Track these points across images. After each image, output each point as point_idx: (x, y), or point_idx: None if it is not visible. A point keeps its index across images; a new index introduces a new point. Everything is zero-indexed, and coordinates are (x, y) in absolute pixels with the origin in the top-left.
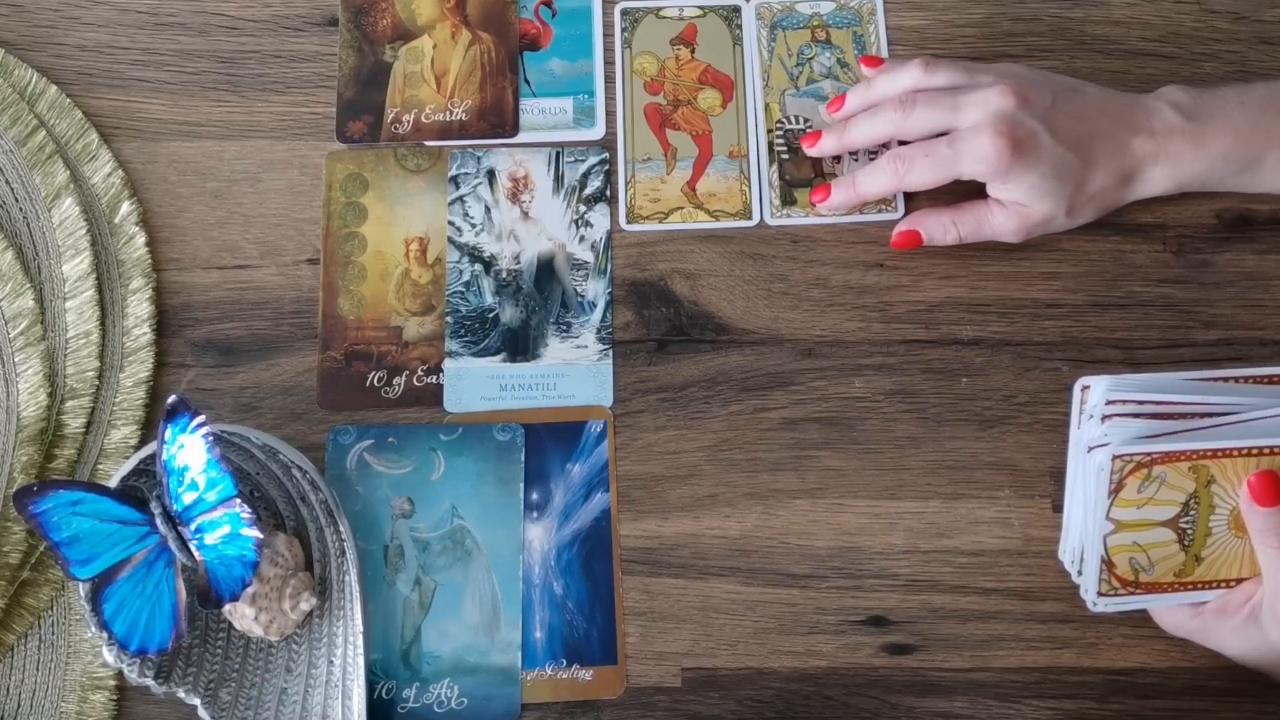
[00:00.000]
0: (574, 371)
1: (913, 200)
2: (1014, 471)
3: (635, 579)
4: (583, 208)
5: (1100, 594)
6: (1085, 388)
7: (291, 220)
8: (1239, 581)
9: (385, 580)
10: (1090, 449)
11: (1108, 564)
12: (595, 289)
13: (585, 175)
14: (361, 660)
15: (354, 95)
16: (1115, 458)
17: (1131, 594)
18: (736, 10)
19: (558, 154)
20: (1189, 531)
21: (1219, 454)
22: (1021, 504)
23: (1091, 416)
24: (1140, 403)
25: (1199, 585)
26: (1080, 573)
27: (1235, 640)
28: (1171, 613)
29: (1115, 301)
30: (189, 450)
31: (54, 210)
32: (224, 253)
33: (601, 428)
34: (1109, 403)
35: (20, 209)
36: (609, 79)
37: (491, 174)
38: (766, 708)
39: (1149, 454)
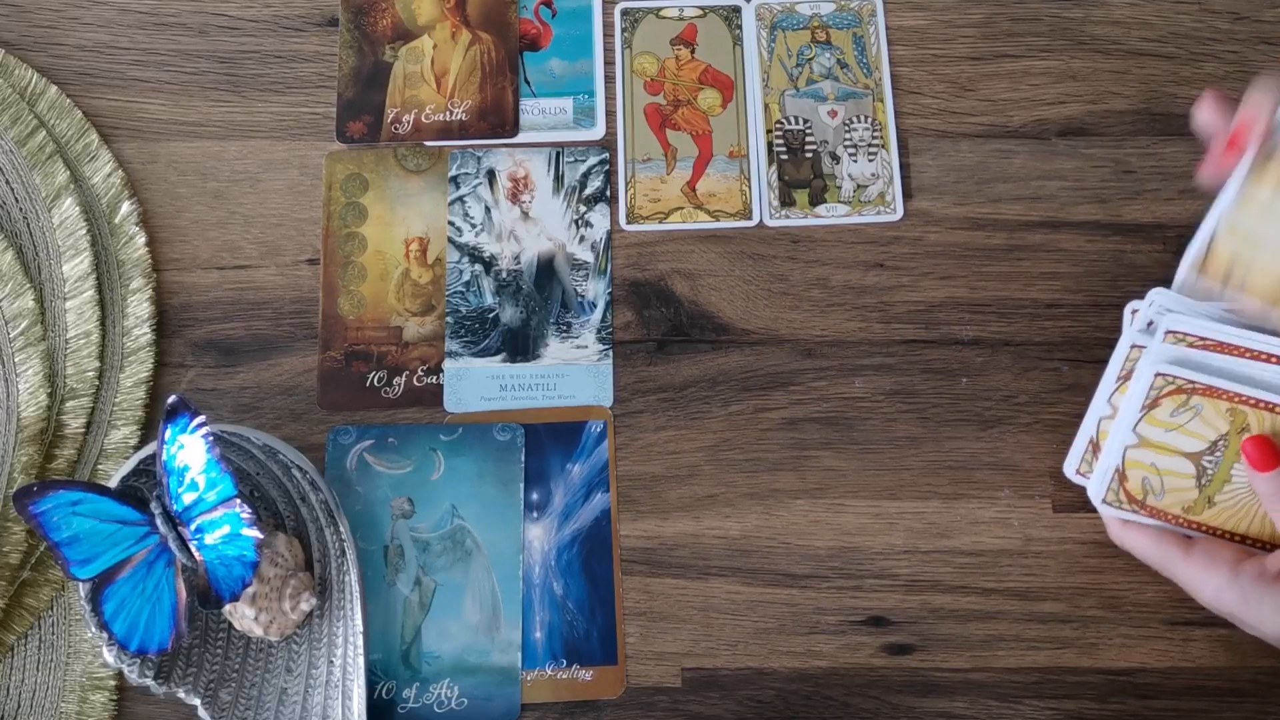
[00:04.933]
0: (574, 371)
1: (911, 199)
2: (1014, 471)
3: (635, 579)
4: (583, 208)
5: (1105, 501)
6: (1134, 310)
7: (291, 220)
8: (1244, 538)
9: (385, 580)
10: (1133, 346)
11: (1120, 475)
12: (595, 289)
13: (585, 175)
14: (361, 660)
15: (354, 95)
16: (1158, 375)
17: (1136, 511)
18: (736, 11)
19: (558, 154)
20: (1209, 471)
21: (1262, 405)
22: (1021, 504)
23: (1149, 326)
24: (1200, 337)
25: (1203, 528)
26: (1089, 476)
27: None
28: (1209, 579)
29: (1115, 301)
30: (189, 450)
31: (54, 210)
32: (224, 253)
33: (601, 428)
34: (1168, 333)
35: (20, 209)
36: (609, 79)
37: (491, 174)
38: (766, 708)
39: (1193, 382)
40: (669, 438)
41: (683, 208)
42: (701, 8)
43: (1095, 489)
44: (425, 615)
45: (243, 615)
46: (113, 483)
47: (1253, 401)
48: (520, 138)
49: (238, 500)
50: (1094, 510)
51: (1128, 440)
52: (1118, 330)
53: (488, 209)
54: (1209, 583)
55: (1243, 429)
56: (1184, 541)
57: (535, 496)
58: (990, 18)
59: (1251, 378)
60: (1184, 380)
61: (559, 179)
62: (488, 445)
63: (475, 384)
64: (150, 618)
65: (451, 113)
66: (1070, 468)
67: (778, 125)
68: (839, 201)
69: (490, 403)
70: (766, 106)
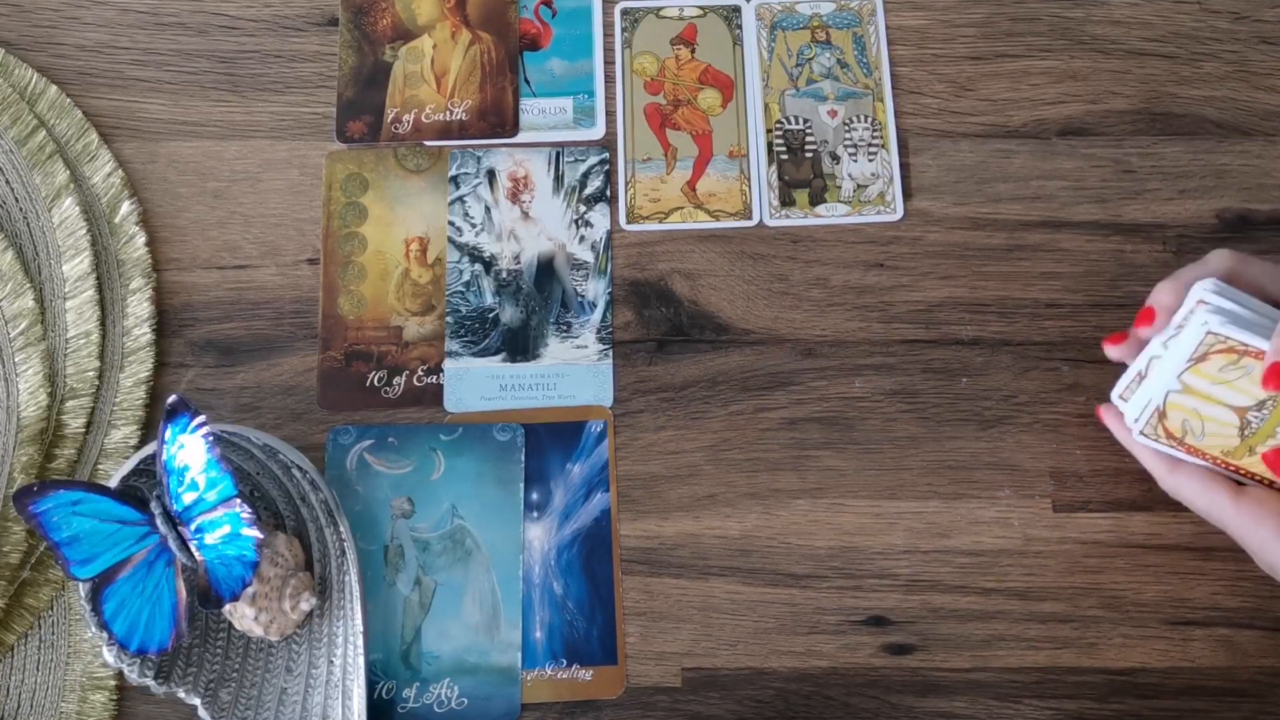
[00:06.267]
0: (574, 371)
1: (911, 199)
2: (1014, 471)
3: (635, 579)
4: (583, 208)
5: (1142, 433)
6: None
7: (291, 220)
8: None
9: (385, 580)
10: (1199, 302)
11: (1160, 414)
12: (595, 289)
13: (585, 175)
14: (361, 660)
15: (354, 95)
16: (1209, 333)
17: (1173, 446)
18: (736, 10)
19: (558, 154)
20: (1254, 425)
21: None
22: (1021, 504)
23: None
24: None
25: (1242, 471)
26: (1128, 401)
27: None
28: (1258, 530)
29: (1115, 301)
30: (189, 450)
31: (54, 210)
32: (224, 253)
33: (601, 428)
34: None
35: (20, 209)
36: (609, 79)
37: (491, 174)
38: (766, 708)
39: (1246, 345)
40: (669, 438)
41: (683, 207)
42: (701, 7)
43: (1131, 415)
44: (425, 615)
45: (243, 615)
46: (113, 483)
47: None
48: (520, 138)
49: (238, 500)
50: (1094, 510)
51: (1171, 386)
52: (1118, 329)
53: (488, 209)
54: (1257, 534)
55: None
56: (1234, 488)
57: (535, 496)
58: (990, 18)
59: None
60: (1238, 343)
61: (559, 179)
62: (488, 445)
63: (475, 384)
64: (150, 618)
65: (451, 113)
66: (1115, 393)
67: (778, 125)
68: (839, 201)
69: (490, 403)
70: (766, 106)
